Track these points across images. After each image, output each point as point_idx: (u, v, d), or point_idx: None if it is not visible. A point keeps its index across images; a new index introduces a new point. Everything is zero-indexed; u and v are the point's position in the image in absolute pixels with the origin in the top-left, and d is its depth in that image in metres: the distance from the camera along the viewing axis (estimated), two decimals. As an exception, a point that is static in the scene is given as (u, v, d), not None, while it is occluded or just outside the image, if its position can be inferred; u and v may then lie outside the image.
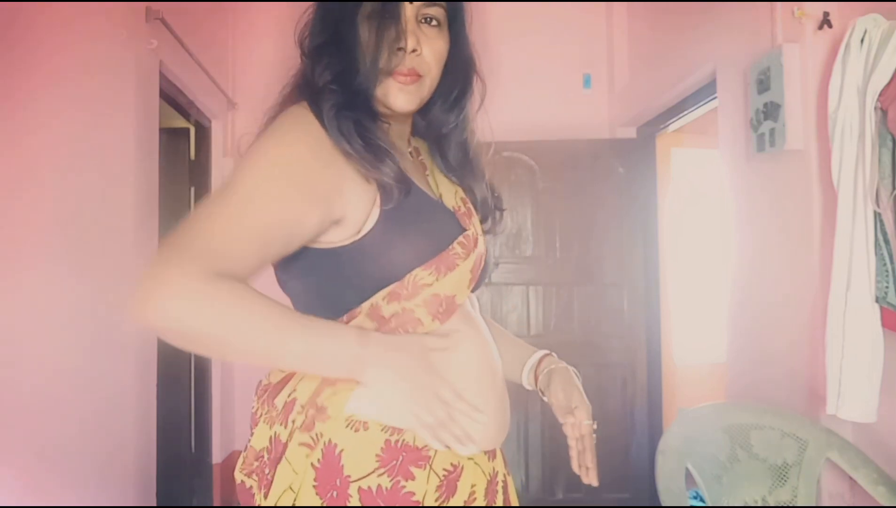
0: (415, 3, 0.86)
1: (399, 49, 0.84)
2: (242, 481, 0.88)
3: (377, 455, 0.80)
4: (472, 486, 0.85)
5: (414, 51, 0.86)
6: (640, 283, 3.17)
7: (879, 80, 1.54)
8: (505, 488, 0.95)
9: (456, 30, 0.92)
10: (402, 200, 0.81)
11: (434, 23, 0.88)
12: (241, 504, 0.89)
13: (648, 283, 3.17)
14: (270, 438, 0.84)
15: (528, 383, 1.05)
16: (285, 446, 0.82)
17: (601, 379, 3.16)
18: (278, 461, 0.82)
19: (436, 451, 0.82)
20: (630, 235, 3.17)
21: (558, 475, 3.10)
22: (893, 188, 1.54)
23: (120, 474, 2.00)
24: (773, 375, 2.03)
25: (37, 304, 1.58)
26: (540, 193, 3.20)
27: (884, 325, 1.60)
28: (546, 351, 1.06)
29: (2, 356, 1.45)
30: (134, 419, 2.08)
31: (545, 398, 1.02)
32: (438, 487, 0.82)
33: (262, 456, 0.85)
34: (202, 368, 3.05)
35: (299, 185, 0.77)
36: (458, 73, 0.94)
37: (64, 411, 1.69)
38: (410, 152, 0.98)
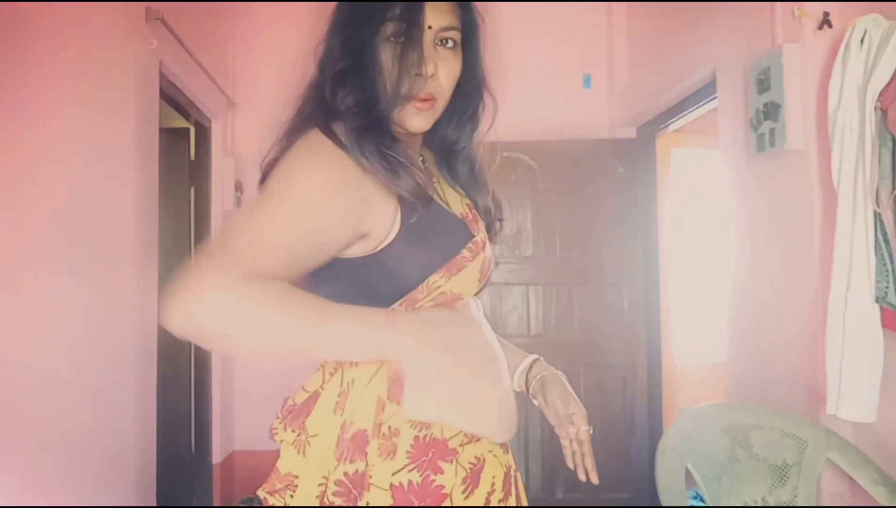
0: (435, 27, 0.88)
1: (418, 74, 0.86)
2: (265, 498, 0.89)
3: (407, 452, 0.83)
4: (493, 478, 0.89)
5: (432, 76, 0.88)
6: (640, 283, 3.17)
7: (879, 80, 1.54)
8: (517, 481, 0.98)
9: (470, 50, 0.94)
10: (422, 214, 0.85)
11: (450, 44, 0.90)
12: None
13: (648, 283, 3.17)
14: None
15: (518, 386, 1.08)
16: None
17: (601, 379, 3.16)
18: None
19: (463, 446, 0.86)
20: (630, 235, 3.17)
21: (558, 475, 3.10)
22: (893, 188, 1.54)
23: (120, 474, 2.00)
24: (773, 375, 2.03)
25: (36, 304, 1.58)
26: (540, 193, 3.20)
27: (884, 325, 1.60)
28: (535, 356, 1.09)
29: (1, 357, 1.45)
30: (134, 420, 2.08)
31: (536, 402, 1.06)
32: (464, 480, 0.85)
33: (290, 481, 0.86)
34: (202, 368, 3.05)
35: (330, 203, 0.80)
36: (471, 92, 0.96)
37: (64, 411, 1.69)
38: (422, 161, 1.00)
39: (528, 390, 1.07)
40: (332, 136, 0.82)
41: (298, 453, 0.86)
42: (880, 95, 1.55)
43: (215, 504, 3.08)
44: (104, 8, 1.90)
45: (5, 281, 1.46)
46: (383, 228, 0.84)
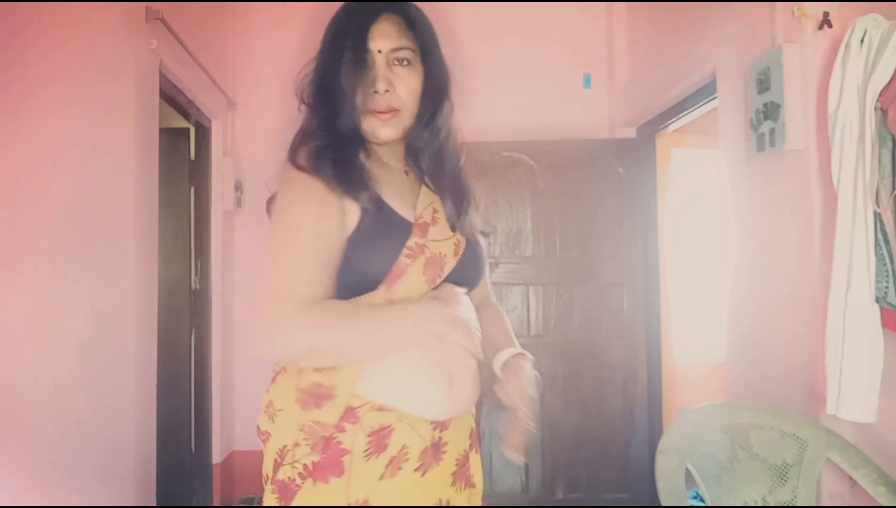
0: (384, 50, 1.05)
1: (374, 92, 1.05)
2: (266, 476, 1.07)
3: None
4: (405, 446, 1.00)
5: (387, 91, 1.05)
6: (640, 283, 3.17)
7: (879, 80, 1.54)
8: (462, 462, 1.08)
9: (428, 63, 1.09)
10: (374, 217, 1.01)
11: (405, 63, 1.07)
12: None
13: (648, 283, 3.17)
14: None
15: (498, 371, 1.15)
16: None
17: (601, 379, 3.16)
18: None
19: (367, 413, 0.99)
20: (630, 235, 3.17)
21: (558, 475, 3.10)
22: (893, 188, 1.54)
23: (120, 474, 2.00)
24: (774, 375, 2.03)
25: (36, 304, 1.58)
26: (540, 193, 3.20)
27: (884, 325, 1.60)
28: (521, 352, 1.15)
29: (1, 356, 1.45)
30: (134, 420, 2.08)
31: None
32: (369, 443, 0.99)
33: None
34: (202, 368, 3.05)
35: (315, 217, 0.98)
36: (430, 100, 1.10)
37: (64, 411, 1.69)
38: (405, 171, 1.15)
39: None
40: (296, 164, 1.01)
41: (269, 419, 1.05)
42: (880, 95, 1.55)
43: (215, 504, 3.08)
44: (104, 8, 1.90)
45: (5, 281, 1.46)
46: (350, 223, 1.01)
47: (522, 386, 1.07)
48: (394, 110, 1.06)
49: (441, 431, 1.04)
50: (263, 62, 3.34)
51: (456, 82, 1.15)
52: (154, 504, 2.26)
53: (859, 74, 1.59)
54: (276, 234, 0.98)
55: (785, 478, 1.64)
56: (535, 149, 3.19)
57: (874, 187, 1.56)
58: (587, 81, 3.45)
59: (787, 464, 1.65)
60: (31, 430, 1.54)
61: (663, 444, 1.61)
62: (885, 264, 1.58)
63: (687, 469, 1.57)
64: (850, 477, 1.62)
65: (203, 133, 3.09)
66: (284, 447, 1.00)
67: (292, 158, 1.03)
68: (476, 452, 1.14)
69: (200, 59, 2.62)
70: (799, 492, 1.62)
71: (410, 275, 1.02)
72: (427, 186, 1.14)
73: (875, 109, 1.56)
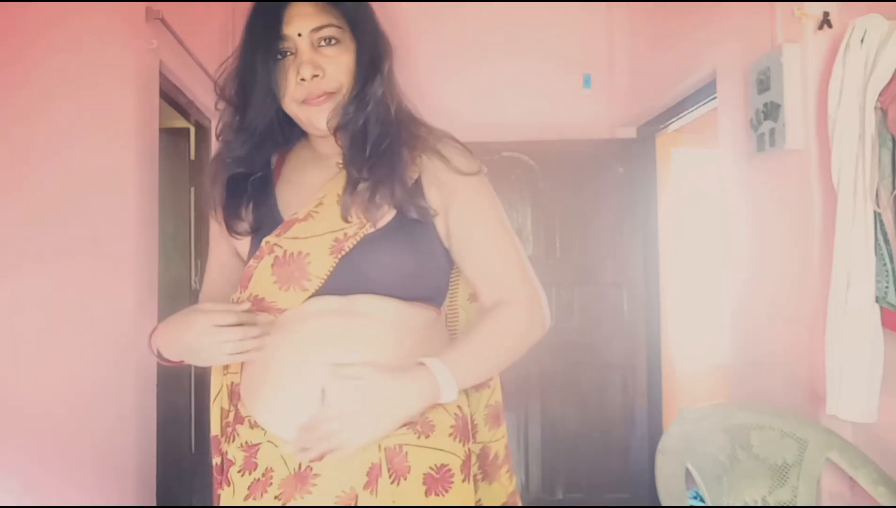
0: (304, 33, 0.93)
1: (301, 80, 0.94)
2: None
3: (226, 422, 1.03)
4: (269, 468, 0.92)
5: (315, 76, 0.94)
6: (640, 283, 3.17)
7: (879, 80, 1.54)
8: (345, 501, 0.90)
9: (359, 35, 0.97)
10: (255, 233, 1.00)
11: (333, 41, 0.95)
12: None
13: (648, 283, 3.17)
14: None
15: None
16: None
17: (601, 379, 3.16)
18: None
19: (243, 427, 0.97)
20: (630, 235, 3.17)
21: (558, 475, 3.10)
22: (893, 188, 1.54)
23: (120, 474, 2.00)
24: (774, 375, 2.03)
25: (35, 303, 1.58)
26: (540, 193, 3.20)
27: (884, 325, 1.60)
28: (422, 361, 0.93)
29: (1, 358, 1.45)
30: (134, 419, 2.08)
31: None
32: (244, 459, 0.95)
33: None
34: (202, 368, 3.04)
35: (218, 236, 1.10)
36: (359, 73, 0.97)
37: (63, 411, 1.69)
38: (338, 163, 1.01)
39: None
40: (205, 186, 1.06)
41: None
42: (880, 95, 1.55)
43: (215, 504, 3.08)
44: (104, 8, 1.89)
45: (4, 281, 1.46)
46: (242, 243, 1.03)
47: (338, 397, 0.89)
48: (326, 94, 0.95)
49: (311, 460, 0.89)
50: (263, 62, 3.33)
51: (397, 53, 1.02)
52: (154, 504, 2.26)
53: (859, 74, 1.59)
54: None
55: (785, 478, 1.64)
56: (535, 149, 3.19)
57: (874, 187, 1.56)
58: (587, 81, 3.44)
59: (787, 464, 1.65)
60: (30, 431, 1.54)
61: (663, 444, 1.61)
62: (885, 264, 1.57)
63: (687, 469, 1.57)
64: (850, 477, 1.62)
65: (203, 133, 3.09)
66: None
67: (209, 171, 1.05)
68: (372, 493, 0.89)
69: (200, 60, 2.62)
70: (799, 492, 1.61)
71: (257, 277, 0.96)
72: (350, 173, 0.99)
73: (875, 109, 1.56)
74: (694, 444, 1.63)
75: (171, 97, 2.56)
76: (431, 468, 0.93)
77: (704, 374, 3.23)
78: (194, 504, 2.98)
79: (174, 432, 2.80)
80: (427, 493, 0.91)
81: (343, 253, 0.94)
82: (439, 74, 3.29)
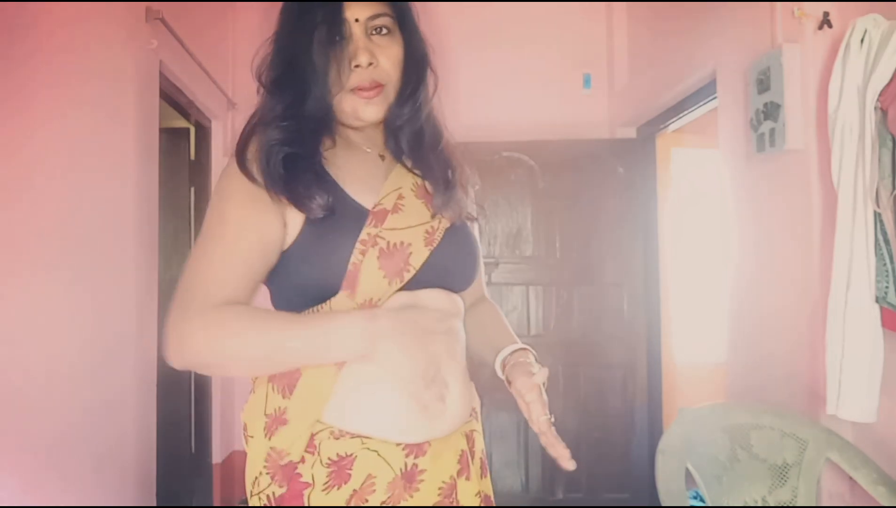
0: (361, 19, 0.92)
1: (356, 66, 0.92)
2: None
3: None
4: (370, 476, 0.88)
5: (371, 64, 0.92)
6: (640, 283, 3.17)
7: (879, 80, 1.54)
8: (446, 492, 0.93)
9: (407, 31, 0.98)
10: (325, 218, 0.88)
11: (385, 31, 0.94)
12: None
13: (648, 283, 3.17)
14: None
15: (500, 372, 1.05)
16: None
17: (601, 379, 3.16)
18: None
19: (325, 441, 0.89)
20: (630, 235, 3.17)
21: (558, 475, 3.10)
22: (893, 188, 1.54)
23: (120, 474, 2.00)
24: (774, 375, 2.03)
25: (37, 304, 1.58)
26: (540, 193, 3.20)
27: (884, 325, 1.60)
28: (522, 346, 1.04)
29: (1, 357, 1.45)
30: (134, 419, 2.08)
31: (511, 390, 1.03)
32: (328, 474, 0.88)
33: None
34: (202, 368, 3.04)
35: (249, 222, 0.88)
36: (412, 70, 0.98)
37: (64, 411, 1.69)
38: (381, 155, 1.02)
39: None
40: (241, 162, 0.89)
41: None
42: (880, 95, 1.55)
43: (215, 504, 3.08)
44: (104, 8, 1.90)
45: (5, 282, 1.46)
46: (294, 227, 0.89)
47: (530, 382, 0.94)
48: (379, 86, 0.94)
49: (416, 457, 0.91)
50: (263, 62, 3.33)
51: (434, 52, 1.02)
52: (154, 504, 2.26)
53: (859, 74, 1.59)
54: (204, 235, 0.88)
55: (785, 478, 1.64)
56: (535, 149, 3.19)
57: (874, 187, 1.56)
58: (587, 81, 3.45)
59: (787, 464, 1.65)
60: (30, 430, 1.54)
61: (663, 444, 1.61)
62: (885, 264, 1.58)
63: (687, 469, 1.57)
64: (850, 477, 1.62)
65: (203, 133, 3.09)
66: (255, 477, 0.93)
67: (240, 152, 0.91)
68: (467, 479, 0.96)
69: (200, 60, 2.62)
70: (799, 492, 1.62)
71: (365, 272, 0.88)
72: (405, 166, 1.01)
73: (875, 108, 1.57)
74: (694, 444, 1.63)
75: (171, 97, 2.57)
76: (481, 451, 1.03)
77: (704, 374, 3.23)
78: (194, 504, 2.98)
79: (174, 432, 2.80)
80: (481, 475, 1.01)
81: (434, 245, 0.95)
82: (439, 73, 3.29)
